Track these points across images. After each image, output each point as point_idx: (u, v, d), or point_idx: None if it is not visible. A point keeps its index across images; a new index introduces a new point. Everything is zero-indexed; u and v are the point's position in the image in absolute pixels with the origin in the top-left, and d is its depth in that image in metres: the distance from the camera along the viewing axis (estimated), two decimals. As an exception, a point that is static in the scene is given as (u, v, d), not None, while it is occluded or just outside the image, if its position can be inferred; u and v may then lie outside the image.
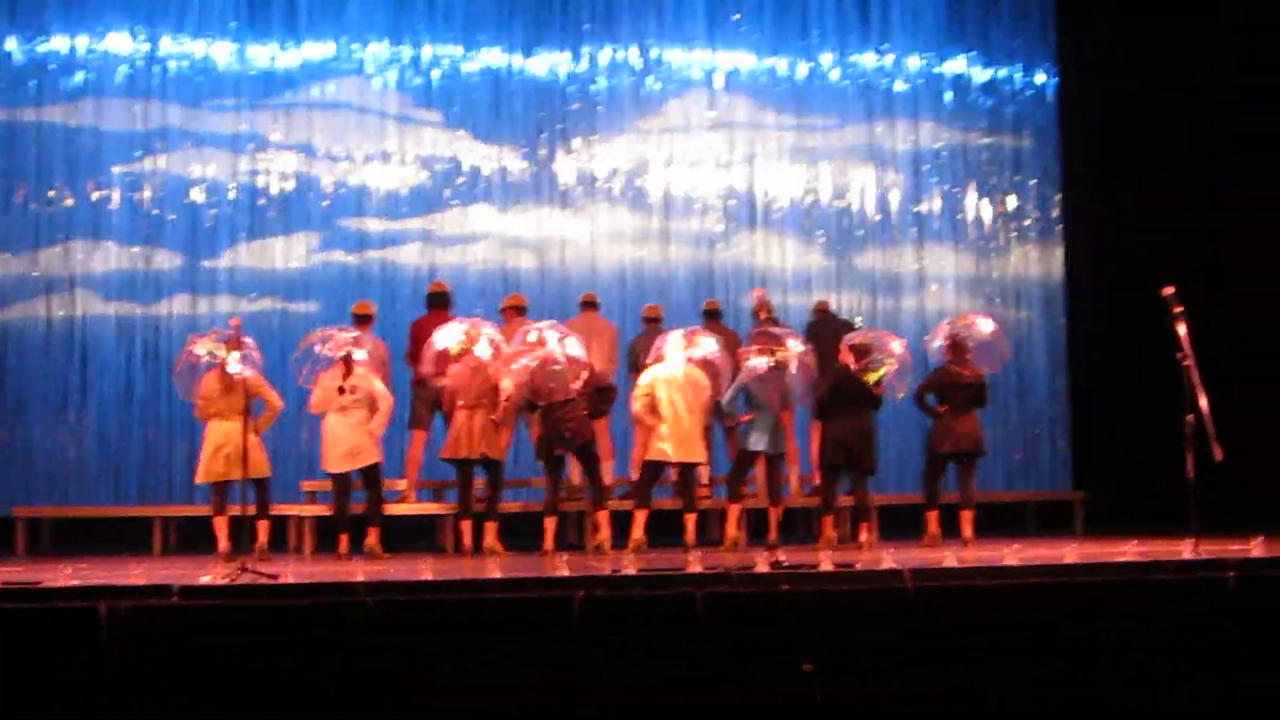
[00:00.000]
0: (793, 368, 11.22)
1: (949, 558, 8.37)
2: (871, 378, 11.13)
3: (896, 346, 11.34)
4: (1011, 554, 8.47)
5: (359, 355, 10.82)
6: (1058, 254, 16.00)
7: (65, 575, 7.43)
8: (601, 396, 11.39)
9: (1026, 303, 15.87)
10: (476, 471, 11.12)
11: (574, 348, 11.07)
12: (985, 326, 11.83)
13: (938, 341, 11.78)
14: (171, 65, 14.48)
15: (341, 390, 10.71)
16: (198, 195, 14.38)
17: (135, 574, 7.56)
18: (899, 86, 15.84)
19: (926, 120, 15.85)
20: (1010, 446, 15.38)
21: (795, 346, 11.41)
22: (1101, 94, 15.53)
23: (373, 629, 7.09)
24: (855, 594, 7.68)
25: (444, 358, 11.06)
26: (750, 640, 7.40)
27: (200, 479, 10.76)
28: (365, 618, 7.09)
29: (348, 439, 10.74)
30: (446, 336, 11.14)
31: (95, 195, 14.23)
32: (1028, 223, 16.00)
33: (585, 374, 11.02)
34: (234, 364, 10.11)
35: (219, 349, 10.61)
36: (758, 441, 11.26)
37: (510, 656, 7.17)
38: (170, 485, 13.87)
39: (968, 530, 11.42)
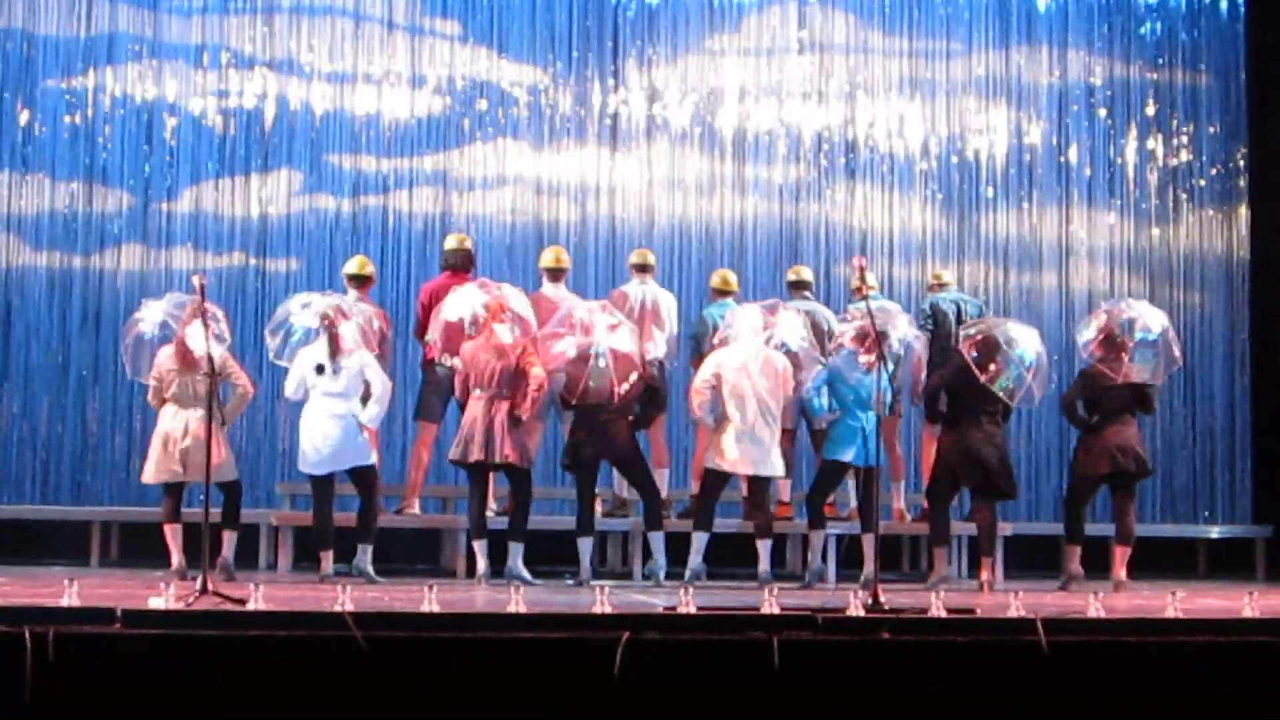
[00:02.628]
0: (897, 347, 11.16)
1: (1094, 606, 8.30)
2: (1002, 385, 11.00)
3: (1029, 343, 11.16)
4: (1175, 604, 8.39)
5: (348, 327, 10.83)
6: (1242, 221, 15.89)
7: (-19, 592, 7.49)
8: (650, 399, 11.36)
9: (1201, 284, 15.75)
10: (497, 479, 11.12)
11: (625, 341, 11.03)
12: (1152, 321, 11.62)
13: (1089, 334, 11.59)
14: (125, -45, 14.61)
15: (321, 369, 10.73)
16: (153, 120, 14.45)
17: (68, 593, 7.59)
18: (1043, 3, 15.74)
19: (1078, 48, 15.76)
20: (1175, 468, 15.28)
21: (903, 326, 11.35)
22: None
23: (362, 671, 7.11)
24: (973, 648, 7.66)
25: (455, 331, 11.07)
26: (839, 701, 7.38)
27: (148, 477, 10.82)
28: (353, 657, 7.12)
29: (333, 433, 10.77)
30: (459, 304, 11.16)
31: (24, 117, 14.33)
32: (1203, 181, 15.88)
33: (635, 376, 11.00)
34: (196, 336, 10.14)
35: (177, 316, 10.66)
36: (846, 451, 11.22)
37: (534, 713, 7.19)
38: (113, 482, 13.98)
39: (1121, 571, 11.36)
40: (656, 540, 11.19)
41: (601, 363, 10.92)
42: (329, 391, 10.75)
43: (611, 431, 11.02)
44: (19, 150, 14.32)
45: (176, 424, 10.60)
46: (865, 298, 10.16)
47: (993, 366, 10.98)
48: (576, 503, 11.26)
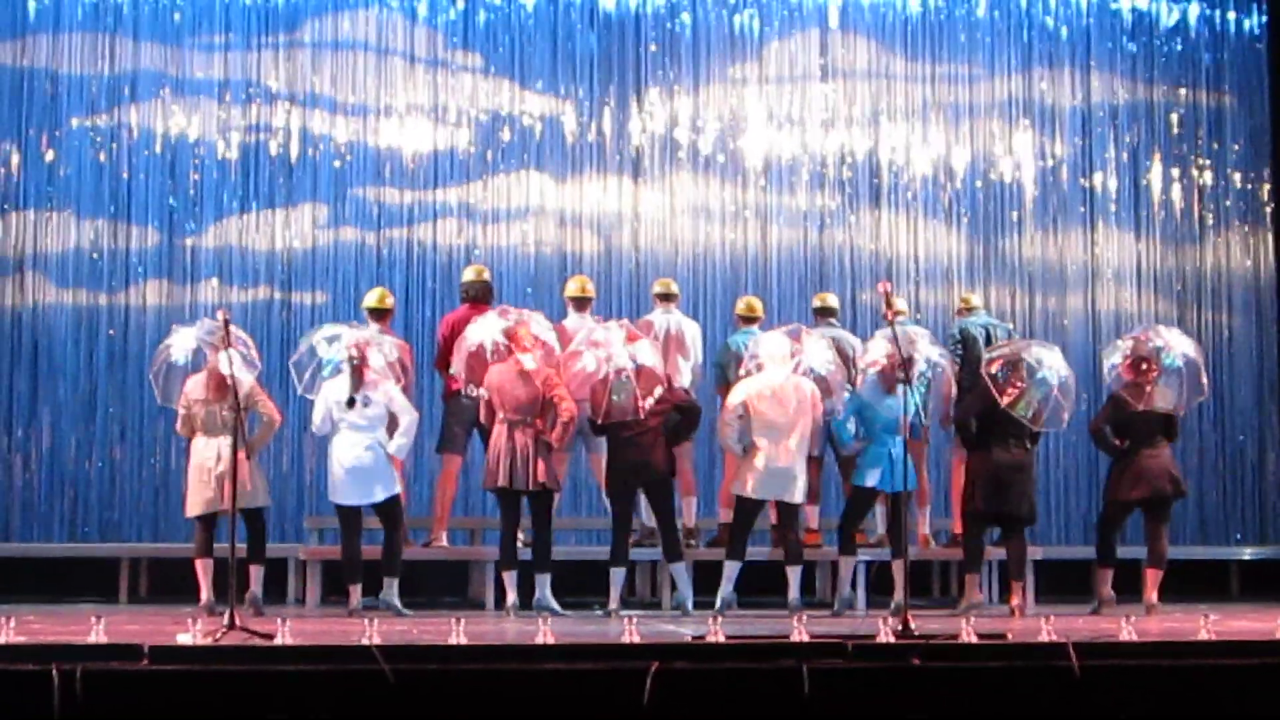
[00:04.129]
0: (922, 366, 11.13)
1: (1126, 629, 8.26)
2: (1022, 411, 10.92)
3: (1054, 364, 11.09)
4: (1207, 626, 8.34)
5: (374, 360, 10.85)
6: (1267, 243, 15.84)
7: (8, 630, 7.47)
8: (683, 419, 11.36)
9: (1227, 305, 15.71)
10: (523, 506, 11.09)
11: (646, 355, 11.05)
12: (1179, 349, 11.51)
13: (1116, 358, 11.52)
14: (147, -7, 14.67)
15: (352, 403, 10.75)
16: (177, 157, 14.50)
17: (96, 629, 7.59)
18: (1065, 26, 15.73)
19: (1101, 70, 15.75)
20: (1206, 490, 15.20)
21: (926, 348, 11.32)
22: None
23: (391, 705, 7.09)
24: (1005, 673, 7.62)
25: (477, 359, 11.08)
26: (870, 729, 7.36)
27: (193, 511, 10.81)
28: (382, 691, 7.10)
29: (363, 463, 10.77)
30: (480, 332, 11.16)
31: (50, 155, 14.40)
32: (1229, 202, 15.84)
33: (659, 390, 11.00)
34: (225, 363, 10.12)
35: (209, 343, 10.69)
36: (873, 476, 11.20)
37: (565, 744, 7.18)
38: (140, 518, 14.00)
39: (1153, 594, 11.30)
40: (679, 571, 11.20)
41: (624, 377, 10.91)
42: (356, 424, 10.77)
43: (648, 455, 11.02)
44: (44, 189, 14.37)
45: (209, 453, 10.65)
46: (891, 324, 10.12)
47: (1012, 390, 10.91)
48: (612, 531, 11.24)
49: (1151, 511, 11.51)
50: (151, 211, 14.45)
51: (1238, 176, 15.88)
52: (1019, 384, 10.94)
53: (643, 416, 10.94)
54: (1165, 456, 11.42)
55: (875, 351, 11.27)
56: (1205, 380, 11.61)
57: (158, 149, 14.50)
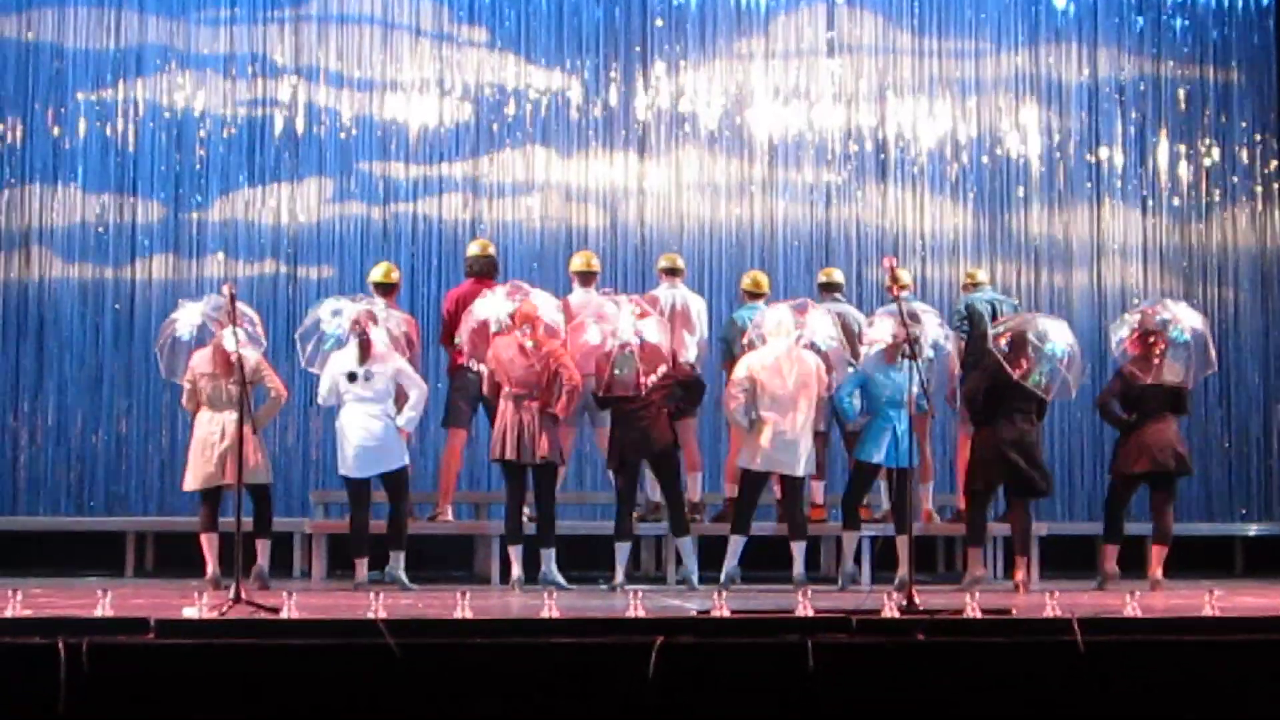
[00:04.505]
0: (929, 351, 11.12)
1: (1130, 605, 8.25)
2: (1035, 381, 10.92)
3: (1060, 336, 11.10)
4: (1211, 602, 8.34)
5: (378, 333, 10.85)
6: (1273, 218, 15.81)
7: (14, 603, 7.49)
8: (686, 393, 11.38)
9: (1233, 281, 15.69)
10: (529, 480, 11.11)
11: (653, 332, 11.05)
12: (1187, 322, 11.49)
13: (1123, 332, 11.52)
14: (153, -33, 14.65)
15: (353, 377, 10.75)
16: (183, 131, 14.49)
17: (102, 603, 7.60)
18: (1073, 3, 15.70)
19: (1108, 45, 15.71)
20: (1211, 466, 15.20)
21: (932, 329, 11.31)
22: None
23: (396, 679, 7.11)
24: (1009, 649, 7.63)
25: (482, 335, 11.08)
26: (874, 703, 7.35)
27: (191, 485, 10.83)
28: (387, 664, 7.12)
29: (372, 436, 10.78)
30: (489, 306, 11.17)
31: (56, 130, 14.39)
32: (1235, 178, 15.82)
33: (663, 368, 11.00)
34: (231, 339, 10.14)
35: (214, 319, 10.70)
36: (877, 452, 11.20)
37: (569, 718, 7.17)
38: (146, 492, 14.03)
39: (1157, 570, 11.30)
40: (685, 546, 11.20)
41: (627, 351, 10.92)
42: (362, 396, 10.78)
43: (651, 429, 11.00)
44: (50, 163, 14.37)
45: (213, 429, 10.66)
46: (897, 299, 10.13)
47: (1024, 362, 10.90)
48: (616, 505, 11.25)
49: (1156, 487, 11.51)
50: (157, 185, 14.45)
51: (1244, 153, 15.85)
52: (1027, 357, 10.93)
53: (644, 393, 10.95)
54: (1171, 431, 11.40)
55: (881, 330, 11.25)
56: (1213, 353, 11.59)
57: (164, 123, 14.49)
